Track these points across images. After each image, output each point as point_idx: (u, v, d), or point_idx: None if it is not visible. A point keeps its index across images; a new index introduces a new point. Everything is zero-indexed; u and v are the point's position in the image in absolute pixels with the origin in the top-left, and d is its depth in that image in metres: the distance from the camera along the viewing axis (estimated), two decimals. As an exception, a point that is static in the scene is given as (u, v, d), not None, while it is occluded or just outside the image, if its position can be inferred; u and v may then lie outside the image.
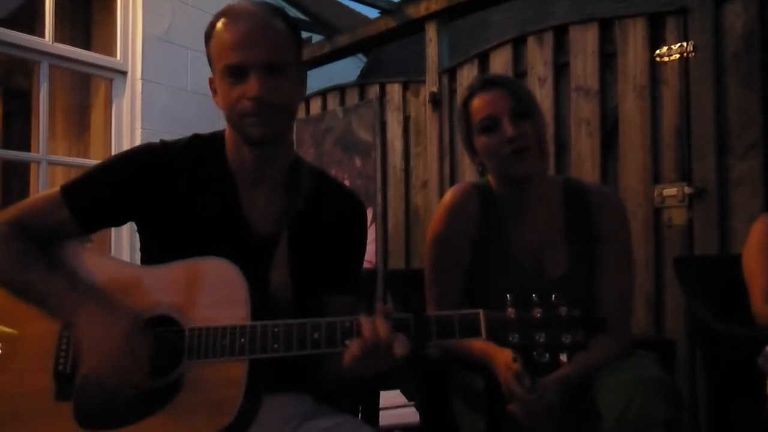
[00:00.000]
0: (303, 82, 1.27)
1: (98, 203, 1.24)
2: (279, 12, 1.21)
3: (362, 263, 1.40)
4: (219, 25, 1.18)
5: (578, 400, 1.35)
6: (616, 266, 1.50)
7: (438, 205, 1.61)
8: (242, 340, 1.08)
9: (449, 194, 1.58)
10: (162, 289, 1.16)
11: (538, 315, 1.01)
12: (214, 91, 1.24)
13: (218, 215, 1.24)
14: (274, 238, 1.25)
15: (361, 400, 1.71)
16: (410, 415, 2.55)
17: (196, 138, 1.30)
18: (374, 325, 1.02)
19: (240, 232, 1.25)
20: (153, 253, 1.27)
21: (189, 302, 1.14)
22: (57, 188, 1.24)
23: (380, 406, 1.88)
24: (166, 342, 1.11)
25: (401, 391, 2.68)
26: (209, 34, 1.20)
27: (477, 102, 1.48)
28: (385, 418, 2.32)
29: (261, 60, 1.14)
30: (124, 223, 1.31)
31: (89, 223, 1.25)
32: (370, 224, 3.74)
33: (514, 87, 1.47)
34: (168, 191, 1.23)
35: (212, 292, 1.14)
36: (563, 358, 1.00)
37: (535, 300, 1.02)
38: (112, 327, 1.08)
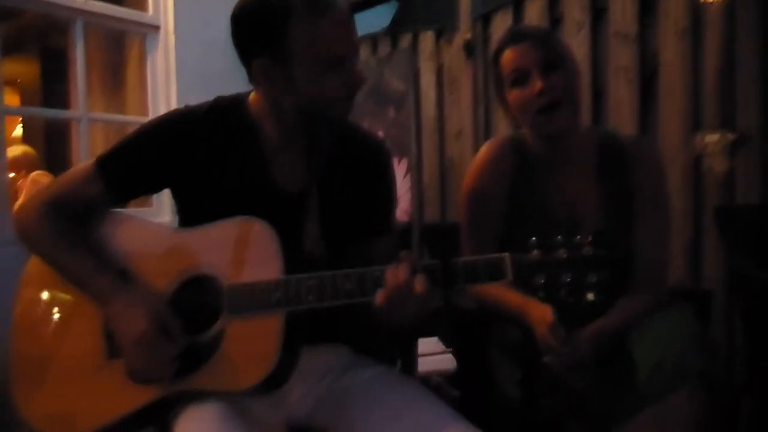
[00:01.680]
0: None
1: (131, 173, 1.28)
2: None
3: (394, 202, 1.42)
4: (304, 10, 1.13)
5: (613, 352, 1.37)
6: (652, 220, 1.49)
7: (473, 159, 1.61)
8: (277, 293, 1.12)
9: (484, 149, 1.58)
10: (200, 249, 1.20)
11: (564, 256, 1.02)
12: (266, 77, 1.20)
13: (246, 176, 1.27)
14: (302, 195, 1.28)
15: (399, 350, 1.75)
16: (447, 361, 2.61)
17: (218, 101, 1.32)
18: (395, 270, 1.06)
19: (269, 191, 1.28)
20: (188, 215, 1.31)
21: (226, 260, 1.18)
22: (90, 162, 1.28)
23: (418, 353, 1.93)
24: (206, 300, 1.16)
25: (439, 339, 2.74)
26: (285, 15, 1.14)
27: (507, 55, 1.47)
28: (423, 364, 2.38)
29: (356, 49, 1.21)
30: (158, 191, 1.35)
31: (124, 193, 1.30)
32: (405, 174, 3.75)
33: (543, 39, 1.46)
34: (196, 155, 1.26)
35: (247, 249, 1.18)
36: (590, 297, 1.01)
37: (560, 241, 1.03)
38: (139, 311, 1.13)
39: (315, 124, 1.28)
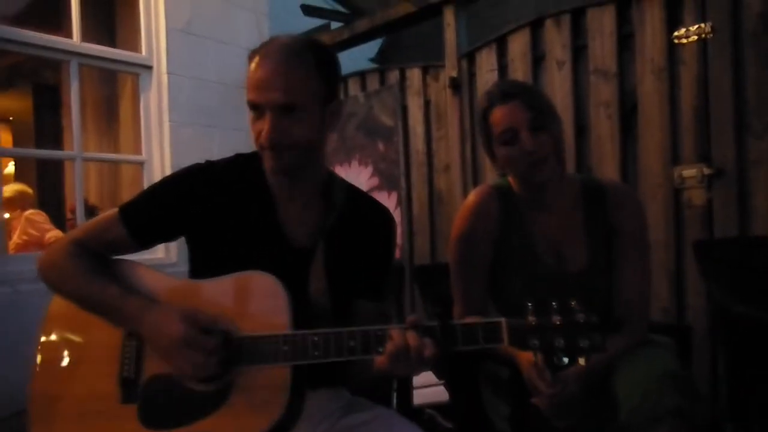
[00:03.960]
0: (334, 114, 1.32)
1: (152, 222, 1.35)
2: (310, 47, 1.26)
3: (390, 272, 1.48)
4: (252, 61, 1.26)
5: (597, 390, 1.43)
6: (632, 262, 1.57)
7: (461, 206, 1.69)
8: (285, 347, 1.17)
9: (471, 196, 1.66)
10: (211, 301, 1.26)
11: (558, 322, 1.07)
12: None
13: (258, 230, 1.34)
14: (310, 251, 1.34)
15: (395, 389, 1.81)
16: (440, 393, 2.65)
17: (237, 157, 1.40)
18: (404, 335, 1.11)
19: (279, 246, 1.34)
20: (201, 263, 1.38)
21: (236, 313, 1.24)
22: (115, 209, 1.36)
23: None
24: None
25: (431, 370, 2.78)
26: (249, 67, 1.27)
27: (496, 114, 1.54)
28: (417, 397, 2.43)
29: (274, 102, 1.22)
30: (177, 238, 1.41)
31: (144, 239, 1.36)
32: (395, 207, 3.83)
33: (531, 98, 1.52)
34: (213, 208, 1.33)
35: (257, 303, 1.24)
36: (581, 361, 1.07)
37: (555, 307, 1.08)
38: (174, 318, 1.19)
39: (291, 178, 1.33)
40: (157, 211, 1.35)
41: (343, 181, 1.45)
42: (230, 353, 1.20)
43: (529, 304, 1.09)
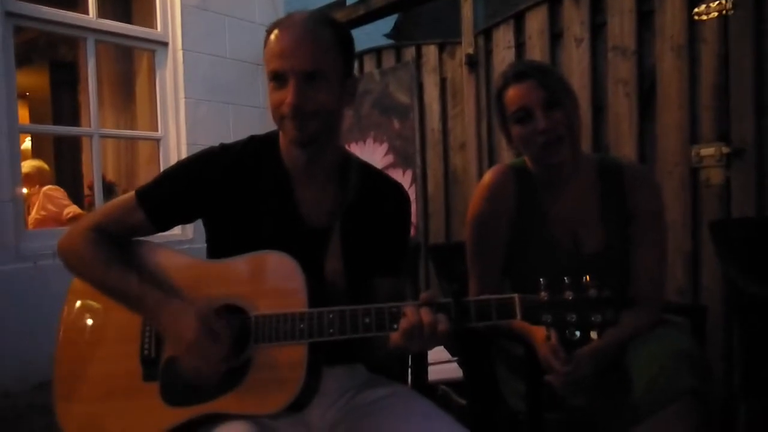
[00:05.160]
0: (350, 91, 1.33)
1: (169, 205, 1.37)
2: (329, 22, 1.28)
3: (407, 247, 1.49)
4: (271, 34, 1.28)
5: (612, 369, 1.45)
6: (649, 243, 1.56)
7: (476, 185, 1.69)
8: (301, 325, 1.20)
9: (487, 176, 1.66)
10: (229, 280, 1.28)
11: (570, 297, 1.09)
12: None
13: (275, 210, 1.35)
14: (327, 230, 1.36)
15: (411, 365, 1.83)
16: (454, 370, 2.67)
17: (252, 139, 1.41)
18: (418, 312, 1.13)
19: (295, 226, 1.35)
20: (218, 244, 1.40)
21: (253, 292, 1.26)
22: (132, 193, 1.38)
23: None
24: (235, 328, 1.24)
25: (445, 347, 2.80)
26: (265, 42, 1.29)
27: (511, 93, 1.54)
28: (430, 374, 2.45)
29: (298, 68, 1.23)
30: (194, 220, 1.43)
31: (162, 222, 1.38)
32: (410, 185, 3.83)
33: (545, 78, 1.52)
34: (230, 190, 1.35)
35: (274, 282, 1.26)
36: (594, 335, 1.08)
37: (567, 283, 1.10)
38: (189, 319, 1.21)
39: (309, 152, 1.34)
40: (173, 196, 1.37)
41: (357, 159, 1.45)
42: (247, 332, 1.22)
43: (542, 280, 1.10)
